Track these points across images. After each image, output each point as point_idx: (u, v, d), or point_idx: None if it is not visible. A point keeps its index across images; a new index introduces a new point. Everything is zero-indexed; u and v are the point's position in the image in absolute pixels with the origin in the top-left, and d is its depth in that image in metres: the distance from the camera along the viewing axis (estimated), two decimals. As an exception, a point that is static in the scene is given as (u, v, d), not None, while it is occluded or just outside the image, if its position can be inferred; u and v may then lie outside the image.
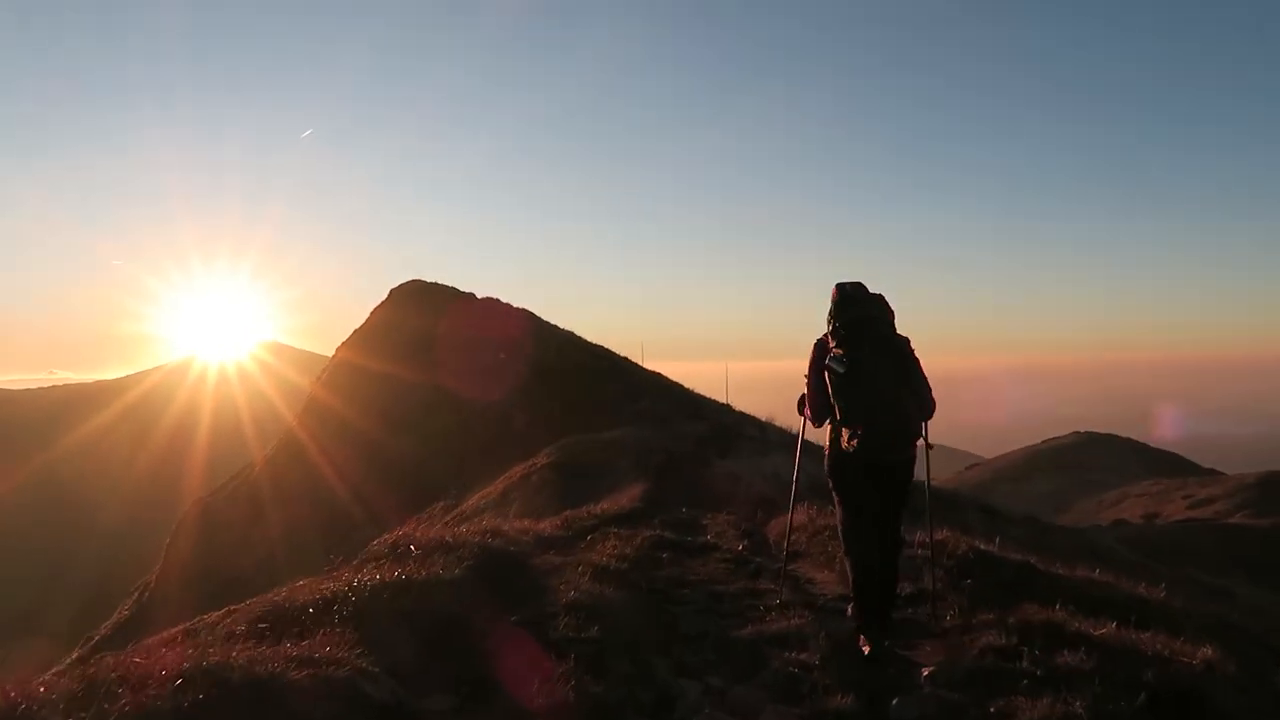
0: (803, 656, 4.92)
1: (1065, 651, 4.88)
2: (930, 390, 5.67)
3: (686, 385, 39.66)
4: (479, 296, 45.87)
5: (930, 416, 5.74)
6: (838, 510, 6.12)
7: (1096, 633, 5.34)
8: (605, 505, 15.56)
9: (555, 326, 43.35)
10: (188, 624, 6.02)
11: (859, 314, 5.55)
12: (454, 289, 46.64)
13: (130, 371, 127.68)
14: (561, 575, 6.08)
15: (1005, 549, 10.67)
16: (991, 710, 4.37)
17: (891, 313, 5.71)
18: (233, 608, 8.22)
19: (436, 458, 36.36)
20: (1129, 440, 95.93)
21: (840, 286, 5.77)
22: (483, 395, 37.42)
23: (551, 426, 31.18)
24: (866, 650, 5.35)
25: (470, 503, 22.55)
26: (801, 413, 6.38)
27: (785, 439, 29.16)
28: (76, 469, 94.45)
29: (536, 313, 44.60)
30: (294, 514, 39.97)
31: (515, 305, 45.07)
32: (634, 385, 36.27)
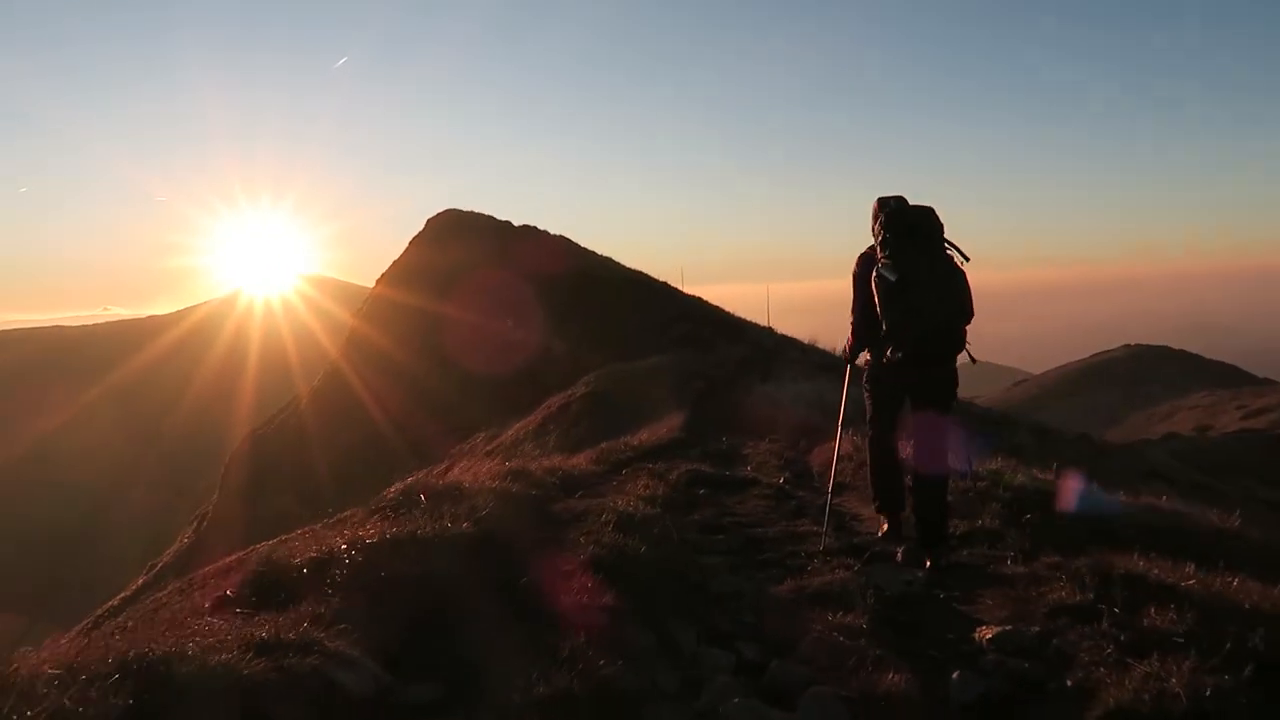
0: (848, 620, 4.32)
1: (1152, 610, 4.23)
2: (971, 300, 5.45)
3: (727, 309, 38.91)
4: (515, 225, 45.15)
5: (971, 316, 5.51)
6: (871, 420, 6.05)
7: (1184, 584, 4.68)
8: (644, 436, 15.06)
9: (593, 252, 42.62)
10: (187, 578, 5.57)
11: (910, 221, 5.41)
12: (490, 218, 45.94)
13: (180, 306, 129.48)
14: (585, 523, 5.51)
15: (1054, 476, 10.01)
16: (1069, 684, 3.77)
17: (941, 223, 5.51)
18: (239, 556, 7.87)
19: (477, 388, 36.07)
20: (1181, 352, 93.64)
21: (883, 200, 5.61)
22: (521, 324, 36.97)
23: (591, 353, 30.74)
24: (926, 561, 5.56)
25: (509, 434, 22.20)
26: (844, 352, 6.46)
27: (828, 361, 28.38)
28: (132, 402, 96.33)
29: (574, 239, 43.87)
30: (341, 445, 40.16)
31: (552, 232, 44.34)
32: (674, 310, 35.58)
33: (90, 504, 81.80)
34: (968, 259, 5.45)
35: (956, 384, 5.77)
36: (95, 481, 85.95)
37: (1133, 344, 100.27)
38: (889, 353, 5.47)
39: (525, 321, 37.17)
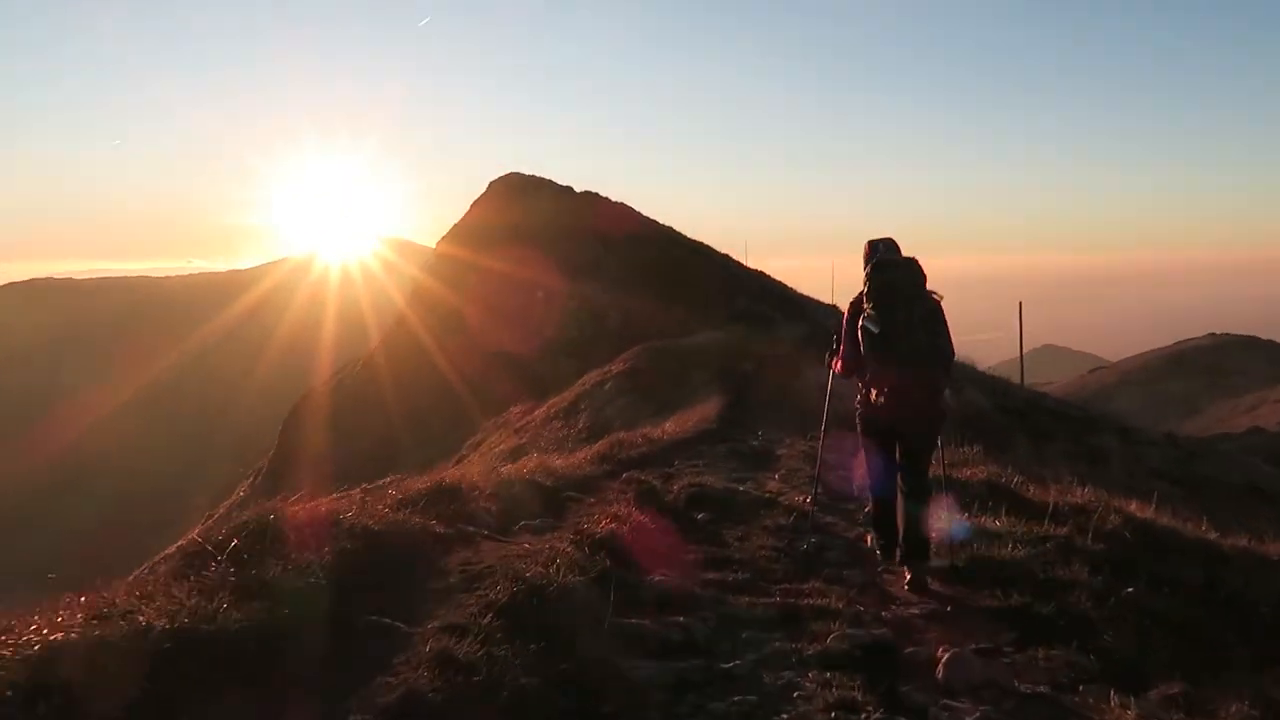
0: None
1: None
2: (952, 347, 5.62)
3: (790, 284, 36.64)
4: (577, 190, 43.31)
5: (951, 362, 5.72)
6: (866, 458, 6.04)
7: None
8: (669, 426, 13.11)
9: (655, 221, 40.59)
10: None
11: (892, 277, 5.54)
12: (551, 182, 44.17)
13: (260, 261, 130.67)
14: (453, 604, 3.61)
15: (1166, 509, 7.81)
16: None
17: (924, 275, 5.62)
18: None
19: (534, 351, 34.64)
20: (1270, 342, 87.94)
21: (873, 245, 5.80)
22: (578, 290, 35.41)
23: (645, 325, 28.96)
24: (907, 574, 5.45)
25: (540, 411, 20.45)
26: (829, 363, 6.56)
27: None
28: (215, 357, 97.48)
29: (636, 207, 41.88)
30: (410, 397, 39.07)
31: (614, 199, 42.41)
32: (733, 284, 33.46)
33: (177, 457, 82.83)
34: (941, 297, 5.58)
35: (940, 426, 5.90)
36: (180, 436, 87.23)
37: (1218, 332, 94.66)
38: (874, 396, 5.61)
39: (582, 288, 35.60)
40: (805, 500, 7.88)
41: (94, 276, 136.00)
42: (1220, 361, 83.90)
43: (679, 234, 39.53)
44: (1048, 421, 19.41)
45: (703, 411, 14.13)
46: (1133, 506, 7.19)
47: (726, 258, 37.78)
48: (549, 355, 33.23)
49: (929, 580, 5.37)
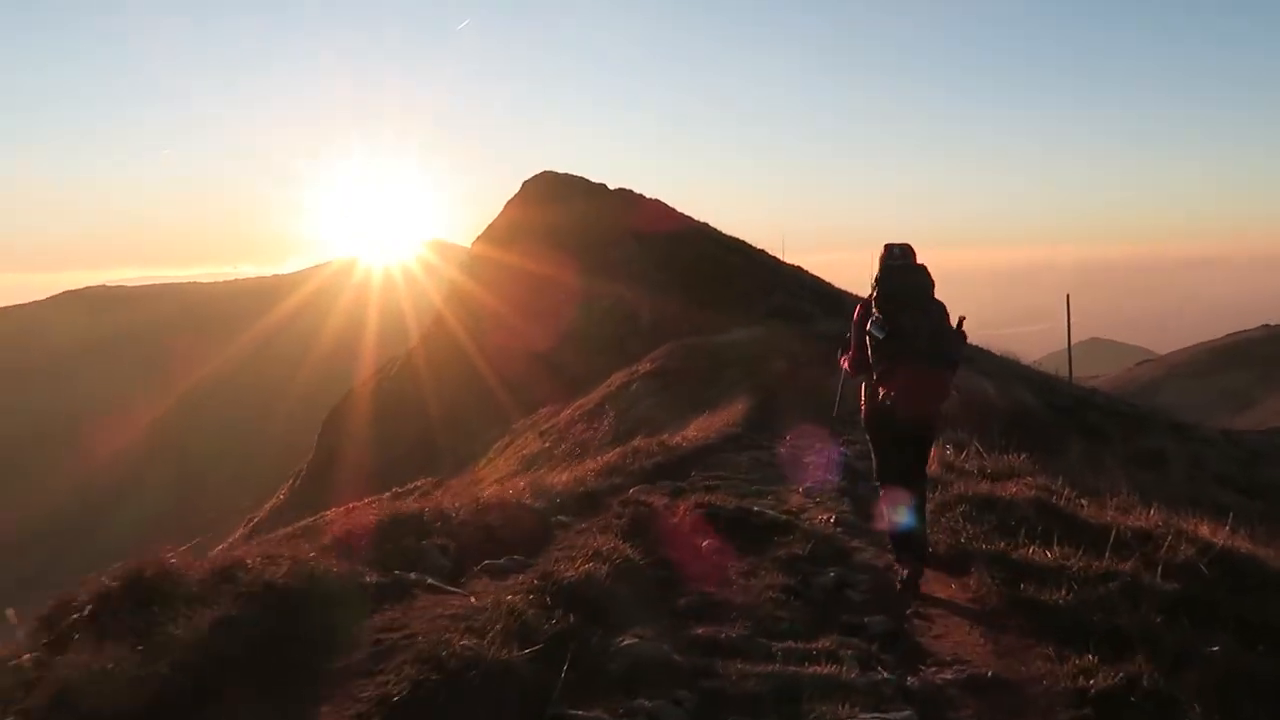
0: None
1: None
2: (962, 350, 5.74)
3: (828, 279, 35.54)
4: (610, 187, 42.54)
5: (958, 367, 5.70)
6: (874, 459, 6.10)
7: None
8: (692, 432, 12.24)
9: (690, 218, 39.66)
10: None
11: (900, 283, 5.67)
12: (586, 180, 43.42)
13: (304, 265, 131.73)
14: (388, 664, 2.78)
15: (1241, 528, 6.78)
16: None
17: (932, 281, 5.76)
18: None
19: (568, 349, 33.96)
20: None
21: (889, 250, 5.89)
22: (611, 288, 34.69)
23: (679, 322, 28.11)
24: (904, 574, 5.52)
25: (567, 413, 19.66)
26: (839, 361, 6.50)
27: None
28: (261, 360, 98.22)
29: (671, 204, 41.02)
30: (446, 397, 38.63)
31: (649, 197, 41.58)
32: (769, 279, 32.40)
33: (227, 459, 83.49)
34: (947, 313, 5.67)
35: (938, 426, 6.21)
36: (229, 438, 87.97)
37: (1272, 324, 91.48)
38: (880, 397, 5.66)
39: (616, 286, 34.89)
40: (828, 520, 6.98)
41: (145, 284, 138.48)
42: (1275, 353, 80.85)
43: (715, 230, 38.60)
44: (1099, 419, 18.21)
45: (729, 414, 13.23)
46: (1204, 529, 6.18)
47: (763, 253, 36.76)
48: (583, 353, 32.49)
49: (921, 584, 5.48)
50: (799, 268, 37.01)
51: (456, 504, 5.56)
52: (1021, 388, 18.90)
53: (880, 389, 5.61)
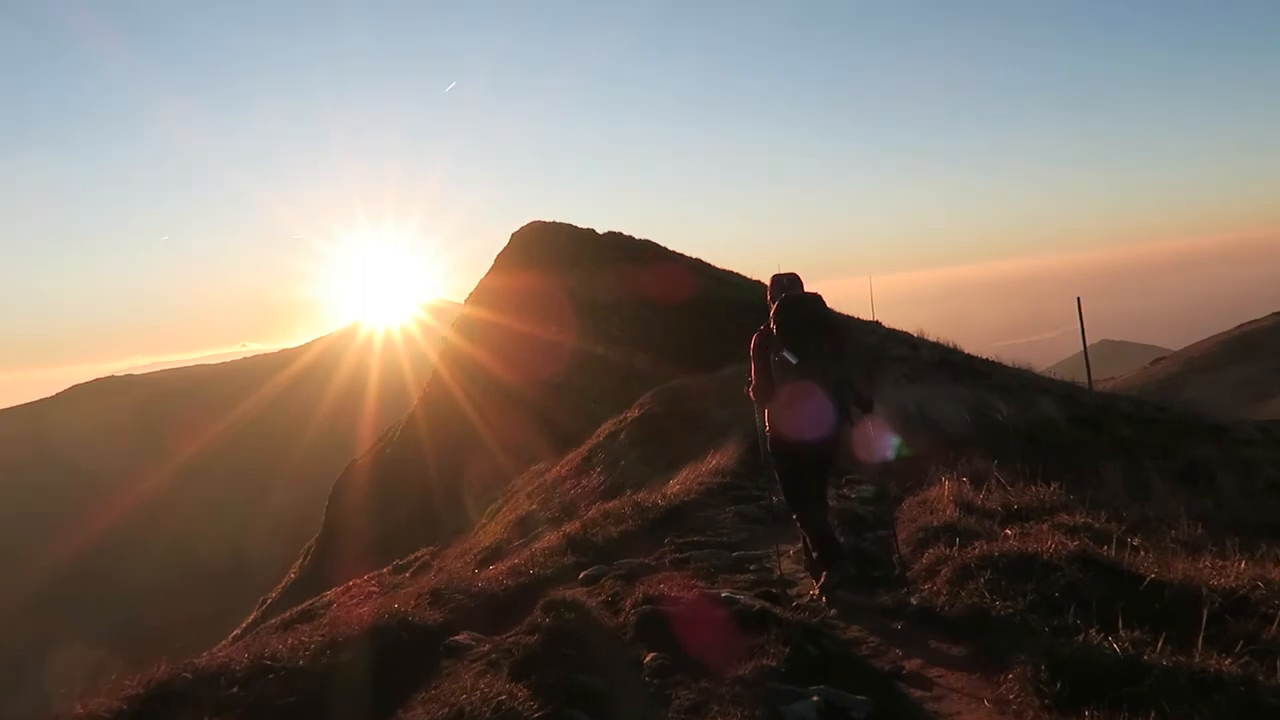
0: None
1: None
2: (857, 374, 6.40)
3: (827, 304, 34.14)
4: (599, 232, 41.42)
5: (855, 391, 5.86)
6: (781, 483, 6.13)
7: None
8: (675, 485, 10.69)
9: (680, 255, 38.47)
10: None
11: (798, 313, 5.78)
12: (573, 226, 42.34)
13: (311, 337, 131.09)
14: None
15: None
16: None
17: (826, 309, 5.92)
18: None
19: (565, 400, 32.58)
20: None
21: (777, 281, 6.14)
22: (603, 334, 33.42)
23: (675, 364, 26.69)
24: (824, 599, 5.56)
25: (556, 469, 18.15)
26: (746, 392, 6.23)
27: (942, 357, 23.36)
28: (262, 433, 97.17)
29: (662, 243, 39.89)
30: (446, 457, 37.22)
31: (638, 238, 40.45)
32: (764, 310, 30.92)
33: (231, 532, 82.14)
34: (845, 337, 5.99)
35: (838, 451, 6.15)
36: (234, 511, 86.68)
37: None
38: (786, 421, 5.73)
39: (608, 332, 33.63)
40: (820, 596, 5.47)
41: (153, 370, 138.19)
42: (1288, 341, 78.86)
43: (706, 264, 37.35)
44: (1127, 429, 16.56)
45: (718, 461, 11.71)
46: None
47: (757, 283, 35.42)
48: (575, 403, 31.13)
49: (840, 592, 5.50)
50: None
51: (299, 641, 4.05)
52: (1042, 400, 17.29)
53: (786, 414, 5.70)
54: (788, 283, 6.06)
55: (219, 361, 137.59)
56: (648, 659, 4.35)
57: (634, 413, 17.85)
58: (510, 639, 4.39)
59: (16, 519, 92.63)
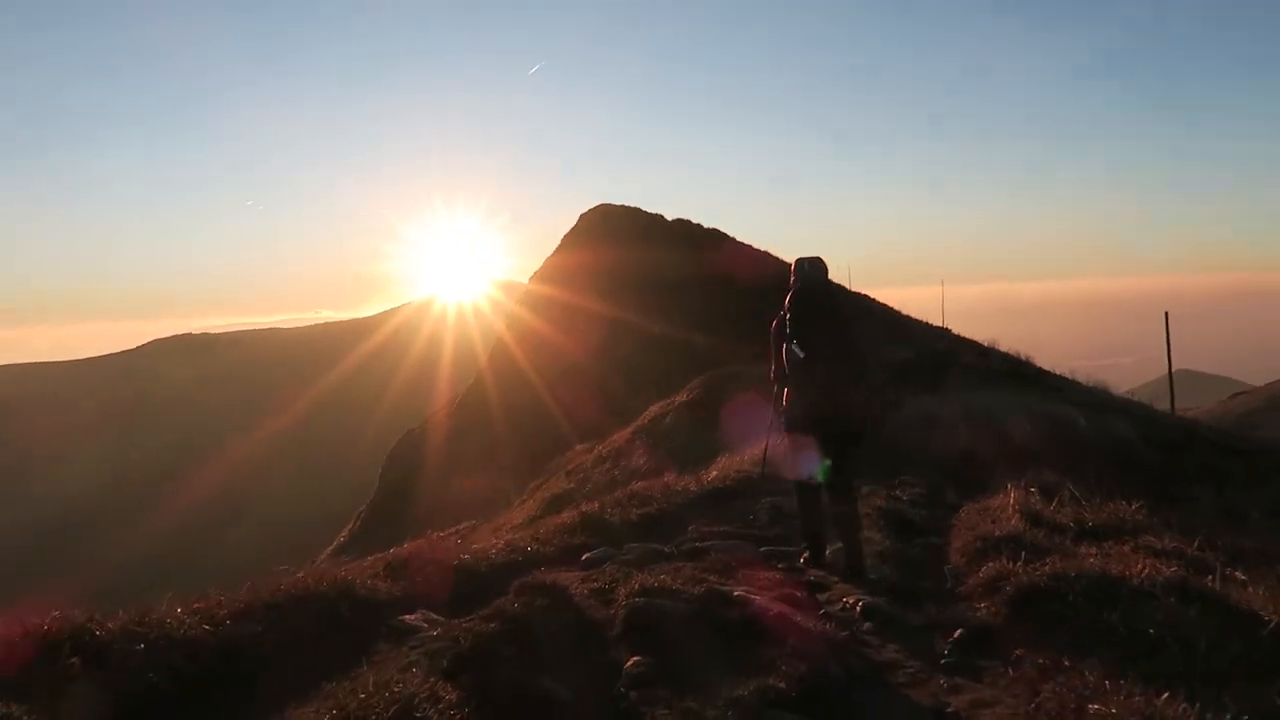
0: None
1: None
2: (873, 364, 6.24)
3: (896, 308, 32.80)
4: (667, 218, 40.59)
5: (875, 379, 6.38)
6: (793, 451, 5.94)
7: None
8: (713, 471, 9.79)
9: (747, 245, 37.44)
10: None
11: (810, 304, 5.69)
12: (641, 210, 41.57)
13: (383, 308, 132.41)
14: None
15: None
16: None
17: (842, 299, 5.91)
18: None
19: (625, 380, 31.87)
20: None
21: (799, 264, 5.97)
22: (667, 318, 32.65)
23: (735, 348, 25.78)
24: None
25: (600, 448, 17.37)
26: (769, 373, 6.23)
27: (1013, 368, 22.01)
28: (340, 400, 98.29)
29: (730, 233, 38.94)
30: (513, 422, 36.89)
31: (706, 226, 39.55)
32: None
33: (309, 500, 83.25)
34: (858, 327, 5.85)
35: (863, 434, 5.86)
36: (310, 480, 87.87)
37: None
38: (798, 409, 5.70)
39: (671, 316, 32.88)
40: (853, 606, 4.55)
41: (230, 330, 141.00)
42: (1384, 382, 74.53)
43: (772, 256, 36.25)
44: (1211, 455, 15.16)
45: (761, 450, 10.77)
46: None
47: (838, 286, 34.23)
48: (635, 381, 30.40)
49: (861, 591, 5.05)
50: (864, 295, 34.38)
51: (206, 605, 3.28)
52: (1118, 419, 15.96)
53: (800, 403, 5.67)
54: (808, 267, 5.88)
55: (293, 326, 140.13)
56: (630, 663, 3.49)
57: (682, 396, 16.98)
58: (466, 624, 3.57)
59: (107, 484, 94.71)
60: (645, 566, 5.09)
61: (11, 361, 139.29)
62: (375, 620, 3.74)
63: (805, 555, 5.84)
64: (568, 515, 7.15)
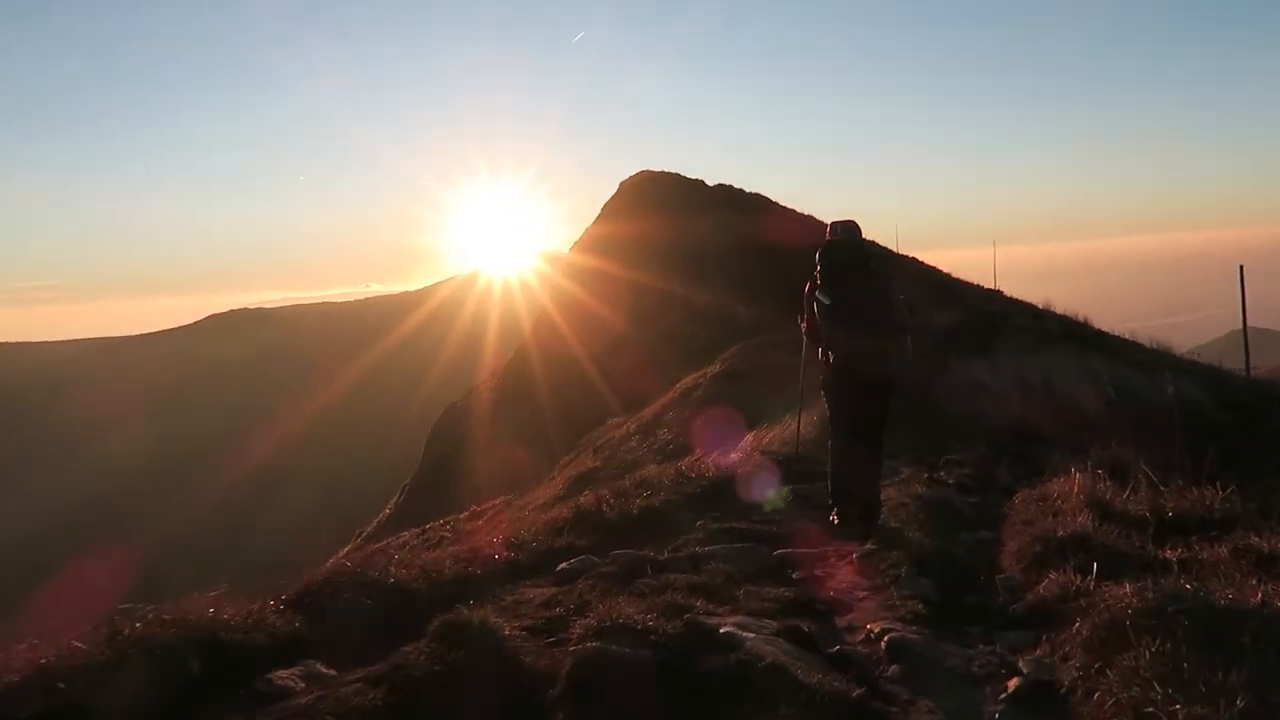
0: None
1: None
2: (907, 313, 5.86)
3: (947, 270, 31.32)
4: (709, 184, 39.36)
5: (907, 332, 5.80)
6: (831, 425, 6.06)
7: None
8: (733, 454, 8.81)
9: (792, 210, 36.09)
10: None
11: (840, 257, 5.81)
12: (682, 176, 40.35)
13: (431, 281, 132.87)
14: None
15: None
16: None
17: (872, 256, 5.99)
18: None
19: (670, 350, 30.94)
20: None
21: (831, 228, 6.13)
22: (708, 286, 31.59)
23: (779, 317, 24.65)
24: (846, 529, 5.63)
25: (627, 425, 16.47)
26: (800, 324, 6.35)
27: (1070, 329, 20.56)
28: (390, 371, 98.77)
29: (773, 198, 37.62)
30: (558, 394, 36.29)
31: (749, 191, 38.29)
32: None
33: (359, 469, 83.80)
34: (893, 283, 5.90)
35: (896, 386, 5.93)
36: (361, 449, 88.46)
37: None
38: (831, 359, 5.78)
39: (713, 284, 31.81)
40: (877, 637, 3.56)
41: (283, 305, 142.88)
42: None
43: (818, 221, 34.88)
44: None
45: (793, 427, 9.76)
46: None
47: (872, 244, 32.76)
48: (681, 354, 29.48)
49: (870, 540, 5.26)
50: (913, 258, 32.89)
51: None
52: (1187, 381, 14.60)
53: (831, 353, 5.75)
54: (841, 229, 6.04)
55: (344, 300, 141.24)
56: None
57: (715, 368, 15.98)
58: (348, 688, 2.65)
59: (162, 454, 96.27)
60: (628, 582, 4.15)
61: (79, 336, 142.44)
62: (242, 677, 2.85)
63: (835, 519, 5.86)
64: (559, 510, 6.23)
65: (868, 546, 5.12)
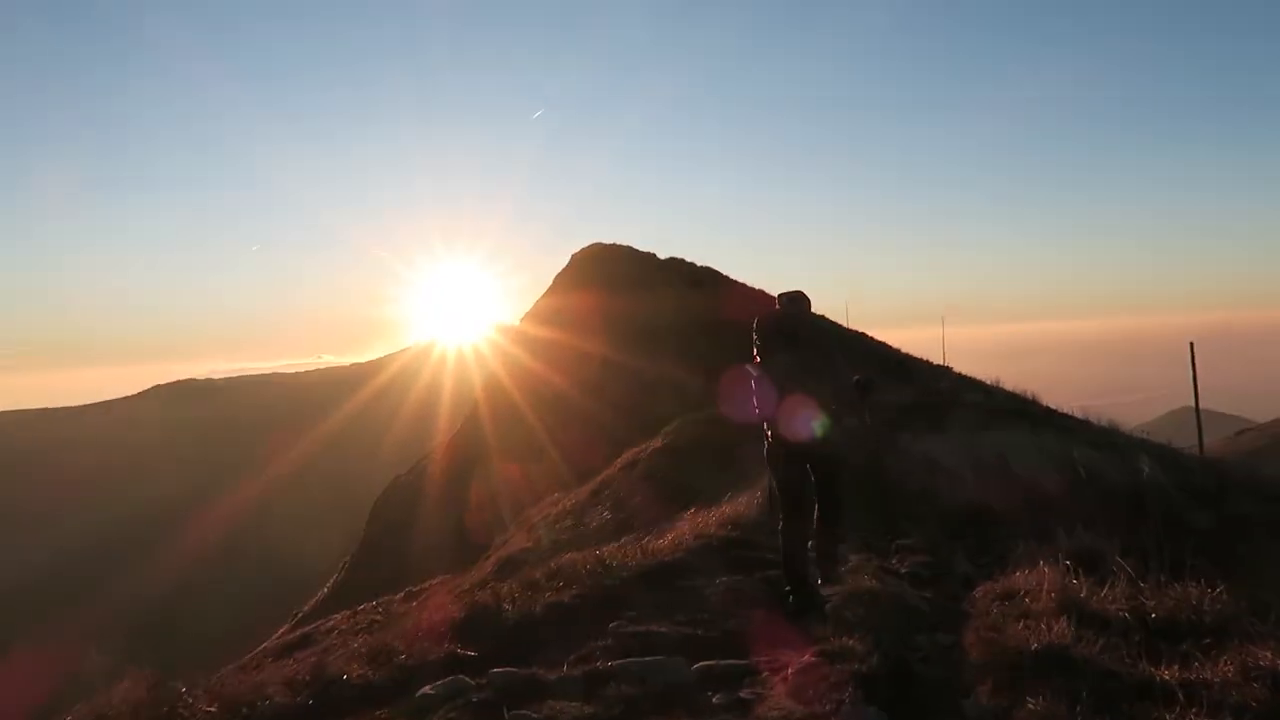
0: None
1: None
2: (849, 380, 5.79)
3: (896, 346, 31.05)
4: (660, 257, 39.16)
5: (851, 400, 5.76)
6: (781, 505, 5.78)
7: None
8: (665, 539, 7.88)
9: (742, 284, 35.88)
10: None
11: (775, 328, 5.68)
12: (633, 249, 40.17)
13: (384, 353, 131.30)
14: None
15: None
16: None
17: (810, 323, 5.81)
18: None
19: (618, 421, 30.06)
20: None
21: (779, 298, 5.87)
22: (659, 358, 31.01)
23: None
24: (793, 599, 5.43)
25: (568, 500, 15.48)
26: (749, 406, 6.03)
27: (1020, 407, 20.06)
28: (341, 444, 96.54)
29: (722, 271, 37.47)
30: (510, 458, 35.11)
31: (699, 264, 38.12)
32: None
33: (309, 545, 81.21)
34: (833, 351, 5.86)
35: (843, 457, 5.86)
36: (311, 525, 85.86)
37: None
38: (768, 430, 5.61)
39: (662, 356, 31.23)
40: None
41: (231, 376, 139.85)
42: (1386, 417, 72.25)
43: (768, 295, 34.62)
44: (1249, 503, 13.22)
45: (731, 509, 8.90)
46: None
47: (822, 318, 32.49)
48: (631, 424, 28.64)
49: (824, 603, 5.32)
50: (862, 333, 32.62)
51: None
52: (1143, 463, 14.04)
53: (766, 425, 5.62)
54: (786, 301, 5.87)
55: (294, 371, 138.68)
56: None
57: (656, 443, 15.10)
58: None
59: (102, 535, 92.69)
60: (498, 717, 3.21)
61: (13, 408, 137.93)
62: None
63: (792, 601, 5.49)
64: (449, 609, 5.26)
65: (806, 659, 4.23)
